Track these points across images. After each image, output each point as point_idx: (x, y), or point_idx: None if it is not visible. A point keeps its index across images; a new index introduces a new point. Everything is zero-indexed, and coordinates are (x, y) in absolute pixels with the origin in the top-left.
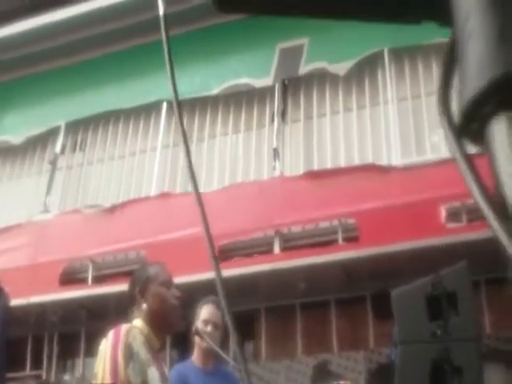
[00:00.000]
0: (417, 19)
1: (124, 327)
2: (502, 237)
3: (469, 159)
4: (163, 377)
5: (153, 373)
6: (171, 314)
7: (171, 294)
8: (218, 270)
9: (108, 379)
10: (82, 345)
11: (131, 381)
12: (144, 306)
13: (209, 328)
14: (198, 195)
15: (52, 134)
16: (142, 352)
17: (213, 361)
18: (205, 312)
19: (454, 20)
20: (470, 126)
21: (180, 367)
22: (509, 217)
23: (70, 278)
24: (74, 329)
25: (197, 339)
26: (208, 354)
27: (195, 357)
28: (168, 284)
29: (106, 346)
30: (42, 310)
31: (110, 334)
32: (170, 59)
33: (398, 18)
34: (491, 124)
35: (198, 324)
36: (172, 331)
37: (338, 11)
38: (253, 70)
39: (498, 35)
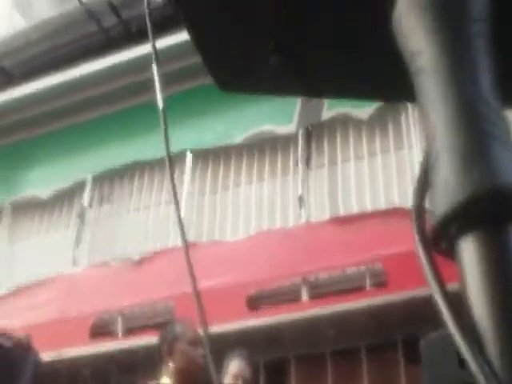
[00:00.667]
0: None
1: None
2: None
3: (436, 269)
4: None
5: None
6: (198, 372)
7: (198, 352)
8: (205, 323)
9: None
10: None
11: None
12: (171, 364)
13: (239, 383)
14: (187, 249)
15: (79, 187)
16: None
17: None
18: (233, 366)
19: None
20: (439, 244)
21: None
22: (471, 330)
23: (100, 331)
24: (105, 382)
25: None
26: None
27: None
28: (195, 342)
29: None
30: (72, 363)
31: None
32: (165, 116)
33: (386, 100)
34: (458, 244)
35: (227, 378)
36: None
37: (330, 92)
38: (275, 116)
39: (461, 161)
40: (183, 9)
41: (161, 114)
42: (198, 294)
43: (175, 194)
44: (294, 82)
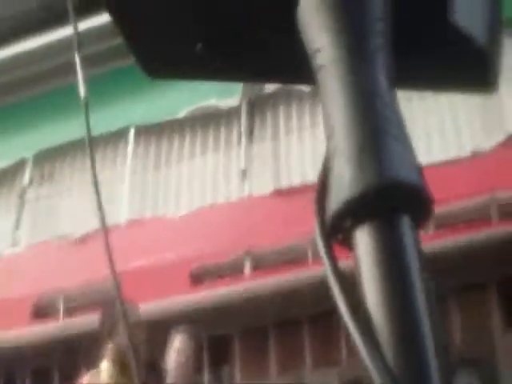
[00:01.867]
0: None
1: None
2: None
3: (335, 264)
4: None
5: None
6: (137, 354)
7: (137, 336)
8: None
9: None
10: (56, 379)
11: None
12: (110, 345)
13: (182, 358)
14: (106, 231)
15: (19, 166)
16: None
17: None
18: (177, 341)
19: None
20: (335, 236)
21: None
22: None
23: (42, 311)
24: (47, 363)
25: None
26: None
27: None
28: (136, 326)
29: None
30: (13, 344)
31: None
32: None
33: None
34: (353, 236)
35: (171, 353)
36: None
37: (253, 77)
38: (219, 90)
39: (355, 157)
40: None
41: (83, 103)
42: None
43: (95, 176)
44: (220, 69)
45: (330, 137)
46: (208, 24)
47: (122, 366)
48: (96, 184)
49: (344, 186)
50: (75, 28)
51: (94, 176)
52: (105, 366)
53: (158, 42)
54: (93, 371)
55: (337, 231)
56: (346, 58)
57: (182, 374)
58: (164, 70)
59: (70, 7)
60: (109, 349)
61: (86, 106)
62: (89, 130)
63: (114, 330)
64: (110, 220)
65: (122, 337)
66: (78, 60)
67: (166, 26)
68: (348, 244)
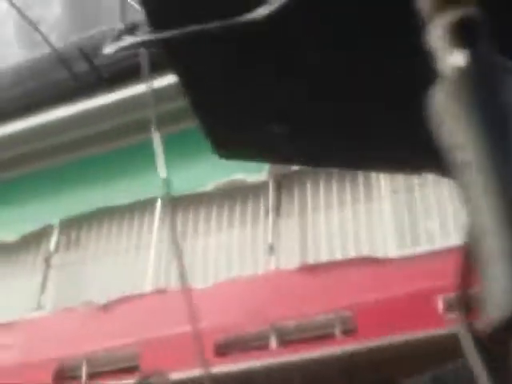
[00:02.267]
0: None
1: None
2: None
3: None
4: None
5: None
6: None
7: None
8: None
9: None
10: None
11: None
12: None
13: None
14: (188, 291)
15: (46, 231)
16: None
17: None
18: None
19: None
20: (491, 338)
21: None
22: None
23: (64, 375)
24: None
25: None
26: None
27: None
28: None
29: None
30: None
31: None
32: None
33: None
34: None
35: None
36: None
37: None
38: (247, 165)
39: None
40: (184, 80)
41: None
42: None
43: (175, 236)
44: (293, 152)
45: (480, 236)
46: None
47: None
48: (177, 245)
49: (507, 299)
50: (153, 109)
51: (175, 238)
52: None
53: (234, 126)
54: None
55: (492, 336)
56: (494, 160)
57: None
58: (234, 148)
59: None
60: None
61: (167, 185)
62: (171, 204)
63: None
64: (135, 288)
65: None
66: (156, 140)
67: (240, 103)
68: (501, 344)
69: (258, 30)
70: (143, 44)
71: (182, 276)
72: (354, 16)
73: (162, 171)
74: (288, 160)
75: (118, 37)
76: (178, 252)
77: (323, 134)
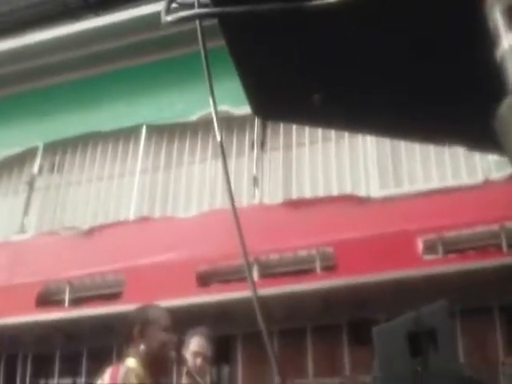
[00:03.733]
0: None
1: (122, 368)
2: None
3: None
4: None
5: None
6: (168, 360)
7: (170, 340)
8: (254, 290)
9: None
10: (57, 366)
11: None
12: (142, 346)
13: (198, 361)
14: (235, 210)
15: (30, 154)
16: None
17: None
18: (194, 345)
19: None
20: None
21: None
22: None
23: (47, 299)
24: (49, 350)
25: (185, 373)
26: None
27: None
28: (168, 329)
29: None
30: (17, 330)
31: (106, 376)
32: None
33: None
34: None
35: (187, 356)
36: (164, 375)
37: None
38: (234, 97)
39: None
40: (229, 35)
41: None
42: (247, 258)
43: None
44: (334, 119)
45: None
46: (338, 78)
47: (150, 368)
48: (226, 173)
49: None
50: (209, 75)
51: (225, 167)
52: (132, 364)
53: (275, 86)
54: (124, 366)
55: None
56: None
57: (201, 376)
58: (273, 112)
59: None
60: (138, 349)
61: (222, 147)
62: (225, 165)
63: (147, 331)
64: (118, 216)
65: (154, 339)
66: (212, 103)
67: (286, 72)
68: None
69: (326, 13)
70: (201, 16)
71: (232, 204)
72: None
73: (218, 135)
74: (325, 125)
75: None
76: (226, 177)
77: (367, 105)
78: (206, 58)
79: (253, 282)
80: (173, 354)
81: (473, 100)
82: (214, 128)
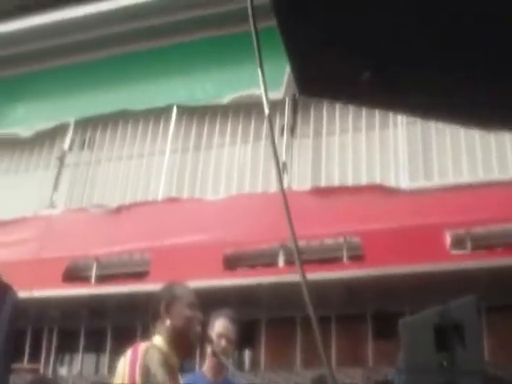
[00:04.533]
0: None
1: (142, 346)
2: None
3: None
4: None
5: None
6: (194, 335)
7: (195, 316)
8: (303, 273)
9: None
10: (81, 342)
11: None
12: (168, 322)
13: (223, 342)
14: (284, 196)
15: (61, 129)
16: (159, 373)
17: (222, 374)
18: (218, 326)
19: None
20: None
21: (189, 378)
22: None
23: (74, 275)
24: (74, 325)
25: (209, 353)
26: (219, 368)
27: (206, 369)
28: (193, 306)
29: (124, 364)
30: (43, 304)
31: (128, 353)
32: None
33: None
34: None
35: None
36: (190, 352)
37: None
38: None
39: None
40: (280, 9)
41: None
42: (296, 244)
43: (273, 139)
44: (380, 98)
45: None
46: (385, 56)
47: (175, 345)
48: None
49: None
50: (258, 43)
51: (274, 145)
52: (158, 341)
53: (322, 64)
54: (147, 343)
55: None
56: None
57: (226, 358)
58: (318, 90)
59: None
60: (164, 325)
61: (270, 122)
62: (274, 142)
63: (173, 307)
64: (146, 195)
65: (179, 316)
66: (261, 77)
67: (335, 49)
68: None
69: None
70: None
71: (281, 189)
72: None
73: (266, 109)
74: (369, 105)
75: None
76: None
77: (417, 85)
78: (256, 35)
79: (301, 267)
80: (199, 330)
81: None
82: (244, 111)
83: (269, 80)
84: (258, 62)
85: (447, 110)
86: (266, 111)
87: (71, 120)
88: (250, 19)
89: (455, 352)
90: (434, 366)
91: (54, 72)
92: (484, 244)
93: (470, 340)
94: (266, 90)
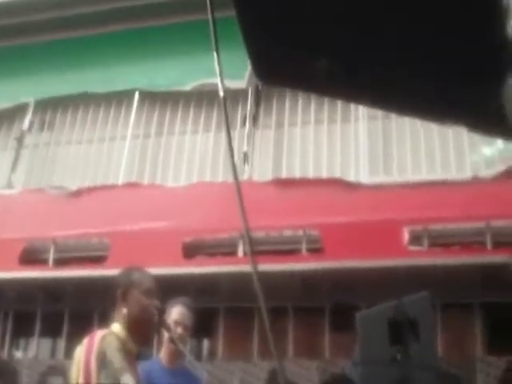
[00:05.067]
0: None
1: (98, 334)
2: None
3: None
4: (138, 382)
5: (127, 379)
6: (150, 323)
7: (152, 303)
8: (254, 264)
9: None
10: (38, 325)
11: None
12: (124, 310)
13: (179, 329)
14: (238, 185)
15: (20, 110)
16: (116, 359)
17: (179, 361)
18: (175, 313)
19: None
20: None
21: (146, 365)
22: None
23: (31, 257)
24: (31, 308)
25: (166, 340)
26: (176, 355)
27: (163, 355)
28: (150, 292)
29: (80, 352)
30: None
31: (85, 341)
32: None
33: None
34: None
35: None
36: (148, 340)
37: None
38: (228, 70)
39: None
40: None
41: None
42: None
43: (228, 130)
44: (337, 86)
45: None
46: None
47: (132, 333)
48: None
49: None
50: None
51: (229, 136)
52: (115, 329)
53: (278, 49)
54: (105, 331)
55: None
56: None
57: (183, 345)
58: (277, 77)
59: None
60: (121, 313)
61: (225, 104)
62: (227, 118)
63: (129, 294)
64: (106, 179)
65: (135, 303)
66: (216, 57)
67: (291, 35)
68: None
69: None
70: None
71: (236, 179)
72: None
73: (221, 92)
74: (326, 93)
75: None
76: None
77: (366, 71)
78: (213, 24)
79: (253, 257)
80: (155, 318)
81: (484, 77)
82: (206, 99)
83: (233, 70)
84: (213, 43)
85: (402, 101)
86: (221, 94)
87: (31, 100)
88: (208, 2)
89: (409, 346)
90: (388, 359)
91: (14, 50)
92: (441, 241)
93: (424, 335)
94: (221, 73)
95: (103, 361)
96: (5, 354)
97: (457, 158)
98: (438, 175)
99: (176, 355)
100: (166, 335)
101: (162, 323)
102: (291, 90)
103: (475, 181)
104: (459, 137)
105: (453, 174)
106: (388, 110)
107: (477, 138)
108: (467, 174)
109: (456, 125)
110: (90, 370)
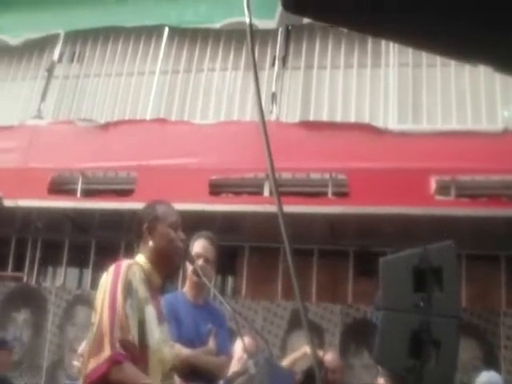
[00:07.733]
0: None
1: (125, 263)
2: None
3: None
4: (160, 315)
5: (150, 311)
6: (176, 255)
7: (178, 236)
8: (280, 206)
9: (106, 314)
10: (65, 254)
11: (128, 317)
12: (150, 243)
13: (200, 262)
14: (264, 126)
15: (51, 40)
16: (141, 289)
17: (203, 295)
18: (197, 246)
19: None
20: None
21: (171, 298)
22: None
23: (59, 188)
24: (58, 238)
25: (190, 273)
26: (199, 289)
27: (187, 289)
28: (176, 226)
29: (106, 280)
30: (28, 214)
31: (111, 269)
32: None
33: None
34: None
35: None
36: (173, 272)
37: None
38: (259, 10)
39: None
40: None
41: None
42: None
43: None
44: (363, 19)
45: None
46: None
47: (157, 265)
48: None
49: None
50: None
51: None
52: (140, 260)
53: None
54: (131, 260)
55: None
56: None
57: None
58: (302, 6)
59: None
60: (147, 246)
61: (252, 43)
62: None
63: (155, 228)
64: (135, 113)
65: (161, 236)
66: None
67: None
68: None
69: None
70: None
71: (262, 120)
72: None
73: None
74: (355, 27)
75: None
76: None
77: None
78: None
79: (279, 200)
80: (181, 251)
81: None
82: (236, 38)
83: (263, 9)
84: None
85: (429, 39)
86: (248, 31)
87: (61, 32)
88: None
89: (432, 294)
90: (410, 305)
91: None
92: (468, 193)
93: (448, 284)
94: (249, 8)
95: (129, 289)
96: (33, 281)
97: (488, 111)
98: (468, 126)
99: (200, 289)
100: (189, 267)
101: (186, 255)
102: (317, 21)
103: (506, 134)
104: (491, 90)
105: (484, 126)
106: (414, 47)
107: (509, 94)
108: (498, 126)
109: (484, 64)
110: (115, 297)
